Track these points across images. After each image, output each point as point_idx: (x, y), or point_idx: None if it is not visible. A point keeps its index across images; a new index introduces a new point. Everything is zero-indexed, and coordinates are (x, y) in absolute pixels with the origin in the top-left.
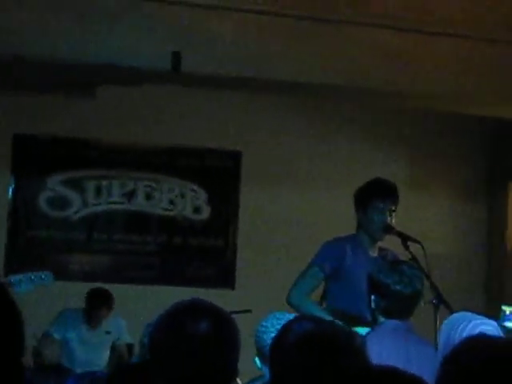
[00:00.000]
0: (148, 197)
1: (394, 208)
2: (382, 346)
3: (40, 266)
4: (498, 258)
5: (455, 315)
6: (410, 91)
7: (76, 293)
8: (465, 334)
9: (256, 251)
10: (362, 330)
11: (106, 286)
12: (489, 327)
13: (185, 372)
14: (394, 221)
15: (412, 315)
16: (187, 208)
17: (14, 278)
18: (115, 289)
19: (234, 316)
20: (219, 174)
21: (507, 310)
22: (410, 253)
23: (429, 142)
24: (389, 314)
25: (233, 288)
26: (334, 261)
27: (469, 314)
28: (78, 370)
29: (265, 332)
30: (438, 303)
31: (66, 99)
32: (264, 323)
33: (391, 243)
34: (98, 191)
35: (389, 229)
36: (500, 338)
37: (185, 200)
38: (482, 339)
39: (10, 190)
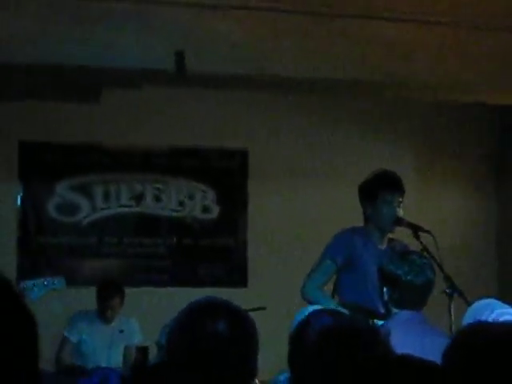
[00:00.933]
0: (157, 199)
1: (401, 199)
2: (396, 337)
3: (51, 271)
4: (510, 246)
5: (480, 302)
6: (412, 82)
7: (89, 298)
8: None
9: (267, 248)
10: (376, 323)
11: None
12: None
13: (203, 372)
14: (402, 212)
15: (425, 305)
16: (196, 208)
17: (26, 284)
18: (128, 292)
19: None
20: (227, 173)
21: None
22: (421, 243)
23: (435, 133)
24: (402, 305)
25: (245, 286)
26: (346, 252)
27: (493, 301)
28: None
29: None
30: (452, 293)
31: (70, 104)
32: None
33: (401, 235)
34: (107, 195)
35: (399, 221)
36: (503, 323)
37: (193, 201)
38: (484, 324)
39: (19, 197)
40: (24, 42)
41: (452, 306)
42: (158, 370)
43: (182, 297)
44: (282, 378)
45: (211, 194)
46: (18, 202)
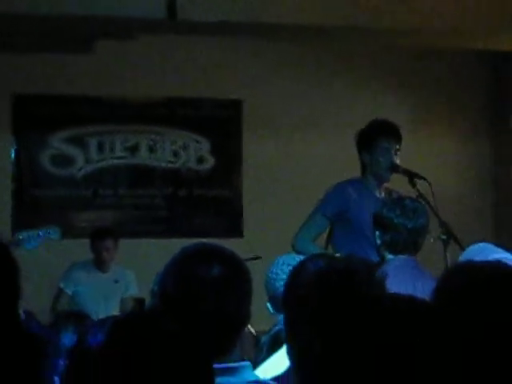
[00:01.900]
0: (151, 150)
1: (398, 147)
2: (389, 282)
3: (47, 224)
4: (504, 194)
5: (474, 246)
6: (408, 28)
7: (84, 250)
8: None
9: (262, 198)
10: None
11: None
12: (509, 257)
13: (196, 317)
14: (398, 161)
15: (419, 250)
16: (191, 159)
17: (22, 235)
18: (123, 244)
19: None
20: (221, 123)
21: None
22: (417, 190)
23: (431, 82)
24: (394, 249)
25: (241, 236)
26: (339, 206)
27: (488, 245)
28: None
29: (276, 279)
30: (448, 239)
31: (63, 56)
32: (274, 269)
33: (397, 184)
34: (101, 147)
35: (395, 167)
36: (488, 261)
37: (188, 151)
38: (469, 263)
39: (13, 150)
40: None
41: (448, 252)
42: (148, 317)
43: (178, 247)
44: (280, 317)
45: (206, 145)
46: (12, 154)
